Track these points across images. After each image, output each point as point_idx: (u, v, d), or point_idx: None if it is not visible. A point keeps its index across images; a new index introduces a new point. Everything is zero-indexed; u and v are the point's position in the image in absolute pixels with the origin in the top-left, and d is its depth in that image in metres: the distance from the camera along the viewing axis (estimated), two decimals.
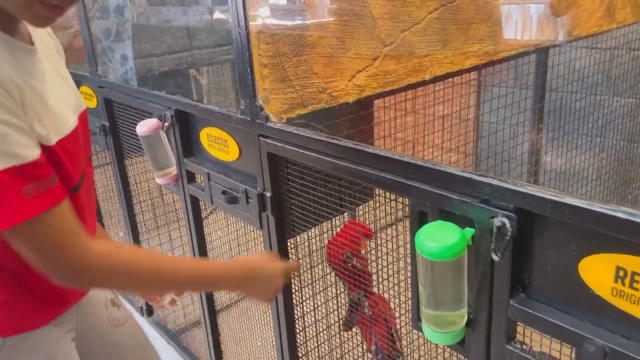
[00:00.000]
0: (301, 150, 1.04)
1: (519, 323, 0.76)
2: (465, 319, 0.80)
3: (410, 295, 0.90)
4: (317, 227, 1.23)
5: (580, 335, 0.66)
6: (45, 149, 0.76)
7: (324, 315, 1.34)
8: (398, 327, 1.24)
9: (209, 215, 1.76)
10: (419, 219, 0.84)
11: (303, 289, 1.29)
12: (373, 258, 1.18)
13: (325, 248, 1.17)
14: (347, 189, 1.15)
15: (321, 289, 1.31)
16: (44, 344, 0.89)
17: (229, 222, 1.94)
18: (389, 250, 1.13)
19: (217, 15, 2.54)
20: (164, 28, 2.51)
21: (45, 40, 0.89)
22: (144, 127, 1.48)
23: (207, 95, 2.60)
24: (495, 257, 0.72)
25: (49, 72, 0.84)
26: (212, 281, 0.91)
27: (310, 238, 1.26)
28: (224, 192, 1.31)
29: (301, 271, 1.28)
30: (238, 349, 1.84)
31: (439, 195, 0.79)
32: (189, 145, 1.47)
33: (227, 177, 1.31)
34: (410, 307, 0.91)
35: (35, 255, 0.73)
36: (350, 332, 1.35)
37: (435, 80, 1.44)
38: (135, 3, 2.47)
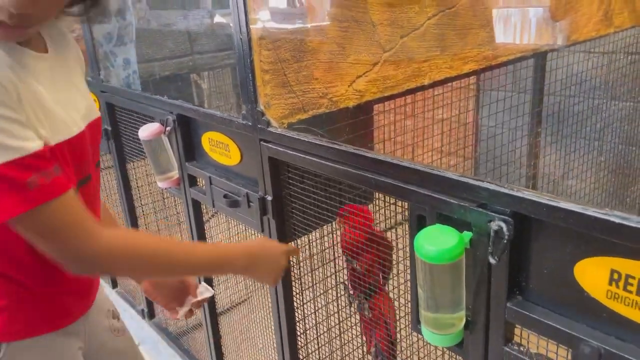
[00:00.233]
0: (302, 155, 1.06)
1: (516, 325, 0.77)
2: (464, 321, 0.82)
3: (410, 298, 0.91)
4: (317, 230, 1.24)
5: (576, 337, 0.68)
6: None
7: (324, 317, 1.35)
8: (398, 329, 1.25)
9: (210, 218, 1.77)
10: (418, 223, 0.85)
11: (304, 291, 1.31)
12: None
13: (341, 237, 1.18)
14: (347, 193, 1.16)
15: (322, 291, 1.33)
16: (47, 352, 0.90)
17: (230, 225, 1.96)
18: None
19: (218, 19, 2.56)
20: (166, 33, 2.53)
21: (65, 51, 0.91)
22: (146, 131, 1.49)
23: (207, 99, 2.62)
24: (492, 261, 0.73)
25: (60, 78, 0.86)
26: (220, 264, 0.93)
27: (310, 241, 1.27)
28: (225, 196, 1.33)
29: (302, 274, 1.29)
30: (239, 351, 1.85)
31: (438, 200, 0.80)
32: (190, 150, 1.48)
33: (229, 181, 1.33)
34: (410, 309, 0.93)
35: (45, 244, 0.75)
36: (350, 335, 1.37)
37: (435, 85, 1.46)
38: (137, 7, 2.48)
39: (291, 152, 1.08)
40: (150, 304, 2.26)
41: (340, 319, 1.35)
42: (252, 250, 0.97)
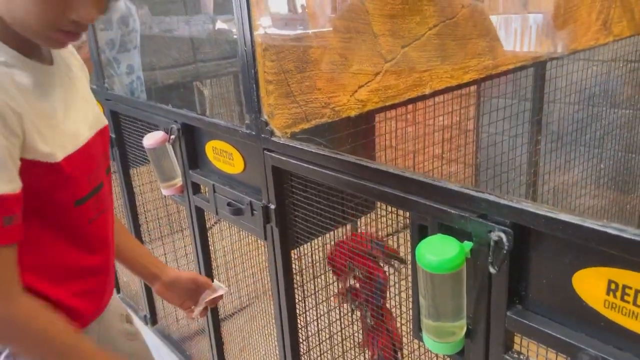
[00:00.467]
0: (305, 165, 1.07)
1: (516, 334, 0.79)
2: (465, 329, 0.83)
3: (411, 305, 0.93)
4: (320, 238, 1.26)
5: (574, 346, 0.69)
6: (48, 166, 0.80)
7: (326, 324, 1.36)
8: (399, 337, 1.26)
9: (213, 225, 1.78)
10: (419, 232, 0.87)
11: (306, 298, 1.32)
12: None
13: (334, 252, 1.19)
14: (349, 201, 1.18)
15: (324, 298, 1.34)
16: None
17: (232, 231, 1.97)
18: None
19: (220, 25, 2.59)
20: (168, 40, 2.55)
21: (68, 60, 0.93)
22: (151, 139, 1.51)
23: (210, 107, 2.64)
24: (492, 270, 0.75)
25: (67, 90, 0.87)
26: None
27: (313, 249, 1.29)
28: (229, 204, 1.34)
29: (304, 281, 1.31)
30: (241, 357, 1.86)
31: (439, 210, 0.82)
32: (194, 158, 1.50)
33: (232, 189, 1.34)
34: (411, 317, 0.94)
35: None
36: (352, 342, 1.38)
37: (435, 94, 1.48)
38: (139, 13, 2.51)
39: (294, 162, 1.10)
40: (152, 310, 2.27)
41: (343, 326, 1.37)
42: None
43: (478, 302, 0.80)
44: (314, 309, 1.33)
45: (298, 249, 1.28)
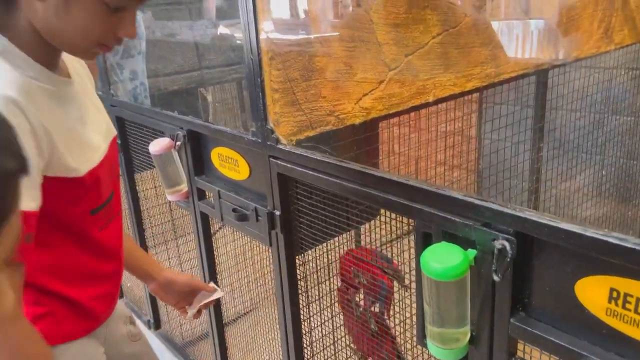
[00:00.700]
0: (310, 172, 1.09)
1: (519, 340, 0.80)
2: (469, 336, 0.84)
3: (414, 311, 0.94)
4: (324, 244, 1.27)
5: (577, 353, 0.70)
6: (70, 180, 0.81)
7: (330, 330, 1.37)
8: (402, 342, 1.27)
9: (217, 230, 1.80)
10: (424, 240, 0.88)
11: (310, 304, 1.33)
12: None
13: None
14: (353, 208, 1.19)
15: (328, 304, 1.35)
16: (84, 354, 0.94)
17: (236, 236, 1.98)
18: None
19: (222, 30, 2.60)
20: (172, 46, 2.57)
21: (78, 70, 0.94)
22: (156, 146, 1.52)
23: (214, 113, 2.65)
24: (496, 278, 0.76)
25: (84, 102, 0.89)
26: None
27: (318, 255, 1.30)
28: (234, 210, 1.36)
29: (309, 287, 1.32)
30: None
31: (443, 218, 0.83)
32: (200, 164, 1.52)
33: (238, 196, 1.36)
34: (415, 323, 0.95)
35: None
36: (355, 348, 1.39)
37: (438, 102, 1.49)
38: (143, 18, 2.52)
39: (300, 169, 1.11)
40: (156, 314, 2.28)
41: (347, 332, 1.37)
42: None
43: (482, 309, 0.81)
44: (318, 314, 1.34)
45: (302, 254, 1.29)
